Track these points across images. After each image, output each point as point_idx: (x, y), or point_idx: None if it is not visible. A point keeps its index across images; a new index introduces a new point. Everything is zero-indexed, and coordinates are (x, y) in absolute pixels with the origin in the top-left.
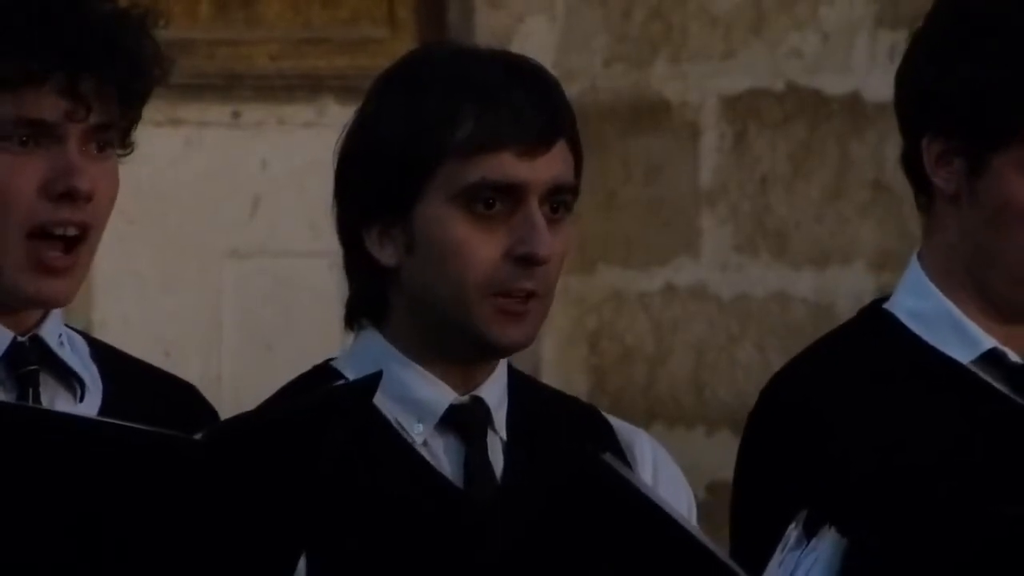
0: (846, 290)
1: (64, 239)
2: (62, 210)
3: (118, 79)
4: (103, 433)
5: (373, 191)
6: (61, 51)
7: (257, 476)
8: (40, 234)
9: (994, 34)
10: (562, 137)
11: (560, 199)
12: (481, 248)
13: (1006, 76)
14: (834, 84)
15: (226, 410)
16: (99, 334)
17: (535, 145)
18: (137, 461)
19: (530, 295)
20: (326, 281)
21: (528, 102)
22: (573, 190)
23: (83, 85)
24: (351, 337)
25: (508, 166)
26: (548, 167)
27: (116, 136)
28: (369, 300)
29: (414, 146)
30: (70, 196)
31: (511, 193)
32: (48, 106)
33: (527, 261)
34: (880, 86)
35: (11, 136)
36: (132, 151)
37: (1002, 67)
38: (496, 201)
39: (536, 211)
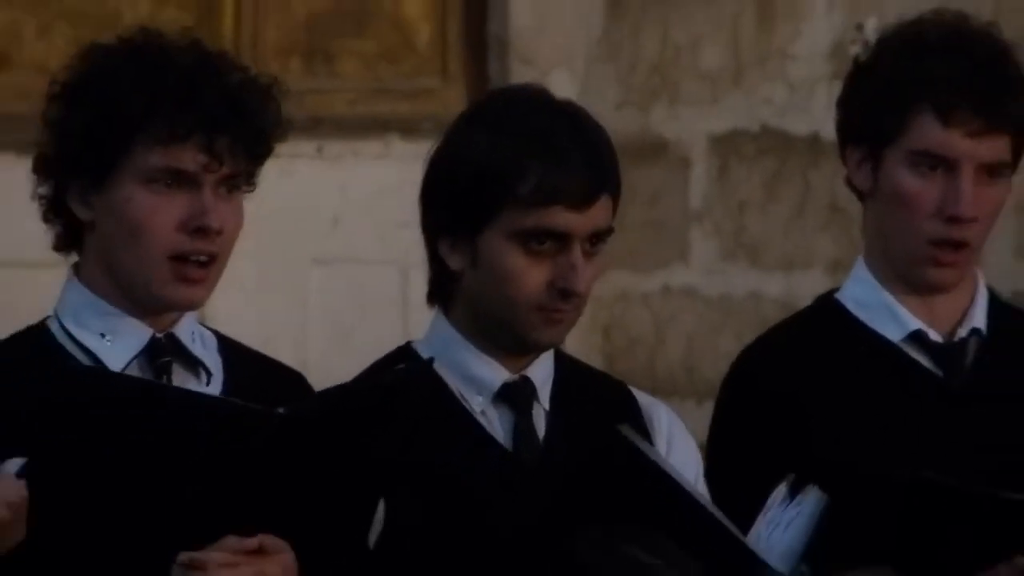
0: (807, 290)
1: (197, 263)
2: (196, 242)
3: (246, 139)
4: (232, 410)
5: (448, 212)
6: (202, 116)
7: (329, 442)
8: (178, 258)
9: (882, 57)
10: (606, 192)
11: (598, 239)
12: (531, 277)
13: (888, 85)
14: (798, 126)
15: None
16: (209, 326)
17: (583, 202)
18: (235, 428)
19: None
20: (392, 284)
21: (582, 162)
22: (609, 231)
23: (218, 143)
24: (412, 328)
25: (560, 217)
26: (591, 219)
27: (243, 180)
28: (440, 289)
29: (485, 189)
30: (203, 232)
31: (560, 237)
32: (189, 159)
33: (566, 293)
34: (835, 128)
35: (159, 180)
36: (255, 188)
37: (886, 79)
38: (547, 241)
39: (578, 254)
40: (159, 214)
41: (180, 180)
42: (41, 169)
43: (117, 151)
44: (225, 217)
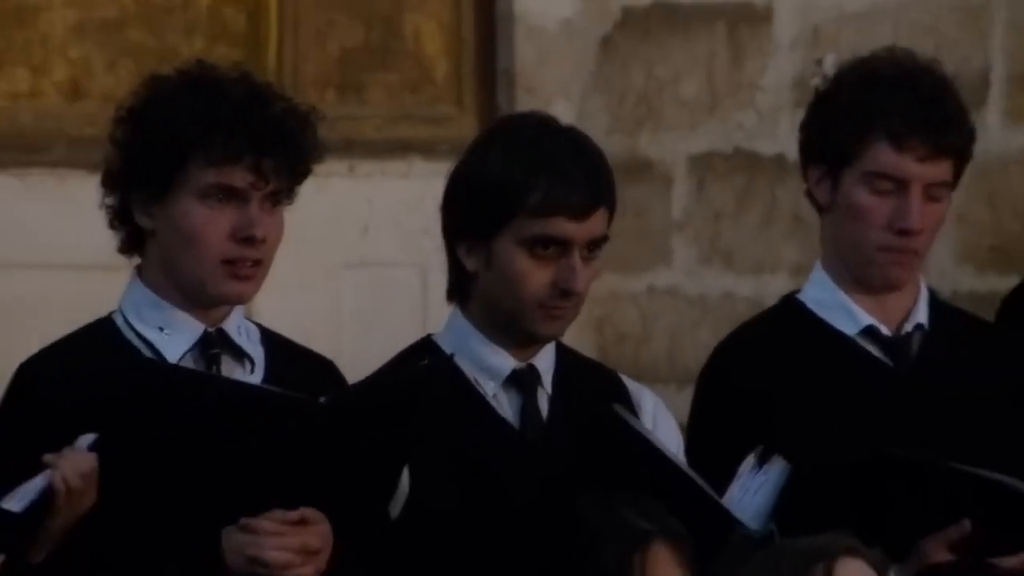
0: (774, 291)
1: (245, 264)
2: (244, 249)
3: (289, 160)
4: (273, 399)
5: (466, 220)
6: (251, 140)
7: (363, 427)
8: (229, 262)
9: (841, 88)
10: (603, 204)
11: (595, 245)
12: (536, 278)
13: (848, 114)
14: (766, 148)
15: (346, 377)
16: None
17: (582, 213)
18: (280, 415)
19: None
20: (413, 285)
21: (582, 178)
22: (605, 239)
23: (265, 164)
24: (430, 323)
25: (562, 226)
26: (589, 228)
27: (285, 195)
28: (457, 288)
29: (499, 201)
30: (250, 241)
31: (562, 244)
32: (239, 178)
33: (566, 292)
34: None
35: (212, 196)
36: (294, 202)
37: (845, 109)
38: (551, 247)
39: (577, 259)
40: (212, 225)
41: (231, 196)
42: (108, 183)
43: (175, 169)
44: (269, 228)
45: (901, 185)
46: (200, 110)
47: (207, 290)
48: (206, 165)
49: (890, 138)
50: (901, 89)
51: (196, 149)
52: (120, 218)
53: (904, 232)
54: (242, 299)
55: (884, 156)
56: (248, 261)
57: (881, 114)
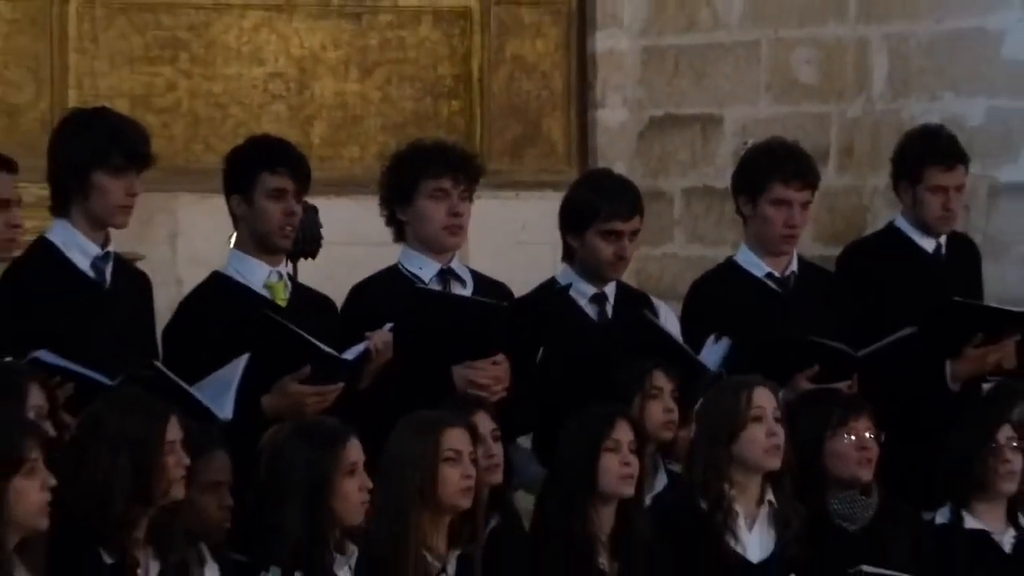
0: (723, 255)
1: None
2: (452, 220)
3: (470, 173)
4: (477, 303)
5: (570, 221)
6: (452, 162)
7: (525, 317)
8: (447, 228)
9: (754, 159)
10: (637, 215)
11: (635, 234)
12: (606, 251)
13: (759, 170)
14: (720, 185)
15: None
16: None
17: (627, 219)
18: (482, 315)
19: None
20: (548, 254)
21: (627, 202)
22: (639, 231)
23: (460, 174)
24: (556, 271)
25: (619, 225)
26: (631, 225)
27: (469, 195)
28: (568, 255)
29: (586, 212)
30: (456, 215)
31: (618, 234)
32: (447, 184)
33: (621, 258)
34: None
35: (433, 196)
36: (473, 202)
37: (757, 168)
38: (613, 235)
39: (626, 241)
40: (437, 211)
41: (444, 194)
42: (382, 203)
43: (414, 184)
44: (464, 209)
45: (789, 204)
46: (422, 151)
47: (439, 243)
48: (429, 179)
49: (782, 181)
50: (785, 156)
51: (425, 171)
52: (389, 220)
53: (792, 226)
54: (456, 247)
55: (780, 190)
56: (456, 228)
57: (778, 169)
